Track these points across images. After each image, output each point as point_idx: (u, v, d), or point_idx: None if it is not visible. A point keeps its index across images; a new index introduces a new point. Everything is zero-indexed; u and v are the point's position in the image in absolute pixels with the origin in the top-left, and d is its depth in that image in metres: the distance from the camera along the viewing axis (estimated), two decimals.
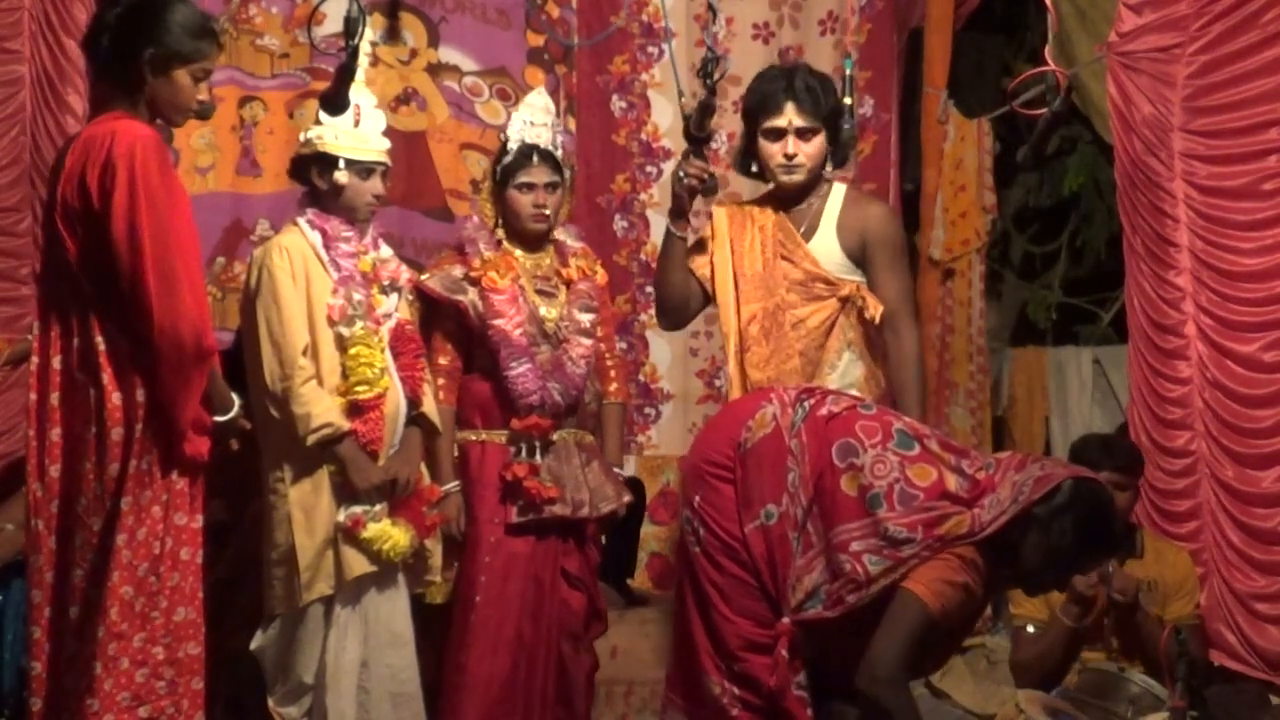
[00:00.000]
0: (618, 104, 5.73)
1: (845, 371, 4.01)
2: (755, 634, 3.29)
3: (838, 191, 4.12)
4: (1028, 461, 3.33)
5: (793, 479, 3.28)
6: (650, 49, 5.73)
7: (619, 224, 5.73)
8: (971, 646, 5.27)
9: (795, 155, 3.99)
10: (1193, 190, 4.94)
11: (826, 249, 4.05)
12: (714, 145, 4.36)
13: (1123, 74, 5.00)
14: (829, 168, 4.10)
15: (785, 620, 3.26)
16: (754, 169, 4.14)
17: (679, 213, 4.02)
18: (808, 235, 4.07)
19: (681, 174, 3.95)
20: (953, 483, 3.25)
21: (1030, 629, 4.51)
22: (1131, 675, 4.25)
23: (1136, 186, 5.03)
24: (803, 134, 3.99)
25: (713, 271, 4.11)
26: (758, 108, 4.03)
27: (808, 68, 4.20)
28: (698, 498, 3.39)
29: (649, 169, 5.75)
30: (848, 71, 4.72)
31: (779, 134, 4.00)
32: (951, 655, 3.68)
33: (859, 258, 4.05)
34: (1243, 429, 4.86)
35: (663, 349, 5.75)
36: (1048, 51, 4.12)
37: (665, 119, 5.73)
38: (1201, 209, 4.92)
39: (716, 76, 3.85)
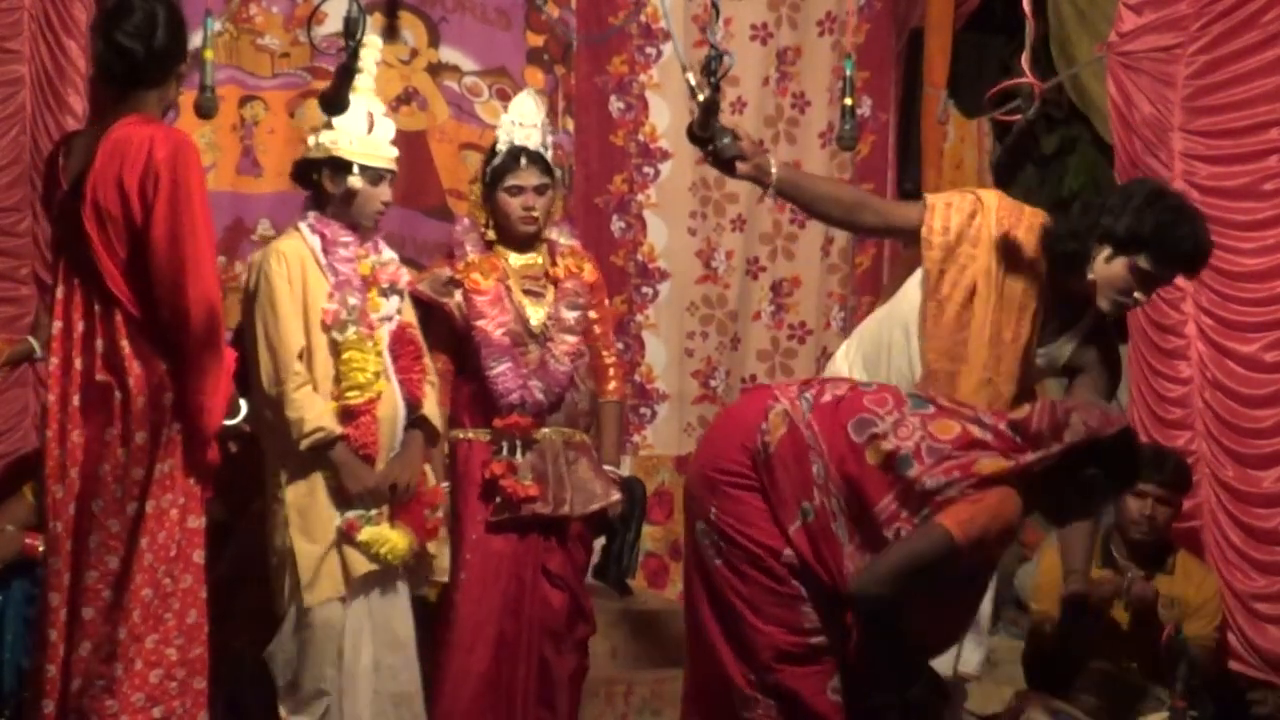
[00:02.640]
0: (616, 105, 5.73)
1: None
2: (787, 642, 3.21)
3: (1096, 315, 3.69)
4: (1058, 420, 3.21)
5: (818, 471, 3.21)
6: (649, 49, 5.73)
7: (616, 224, 5.72)
8: None
9: (1138, 304, 3.63)
10: (1193, 190, 4.92)
11: (1054, 356, 3.72)
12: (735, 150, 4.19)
13: (1123, 74, 5.00)
14: None
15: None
16: (1082, 268, 3.55)
17: (756, 181, 3.62)
18: (1053, 333, 3.68)
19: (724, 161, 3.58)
20: (976, 432, 3.20)
21: (1047, 628, 4.52)
22: (1132, 676, 4.25)
23: None
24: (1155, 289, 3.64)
25: (967, 301, 3.58)
26: (1170, 255, 3.51)
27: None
28: (713, 509, 3.28)
29: (646, 170, 5.74)
30: (848, 72, 4.70)
31: (1153, 284, 3.58)
32: (978, 601, 3.55)
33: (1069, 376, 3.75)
34: (1243, 429, 4.86)
35: (659, 350, 5.75)
36: (1025, 60, 4.11)
37: (663, 120, 5.73)
38: (1202, 209, 4.91)
39: (720, 74, 3.75)
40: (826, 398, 3.30)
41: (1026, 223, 3.63)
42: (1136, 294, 3.54)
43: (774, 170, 3.56)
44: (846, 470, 3.21)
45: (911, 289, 3.71)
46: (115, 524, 3.29)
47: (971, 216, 3.61)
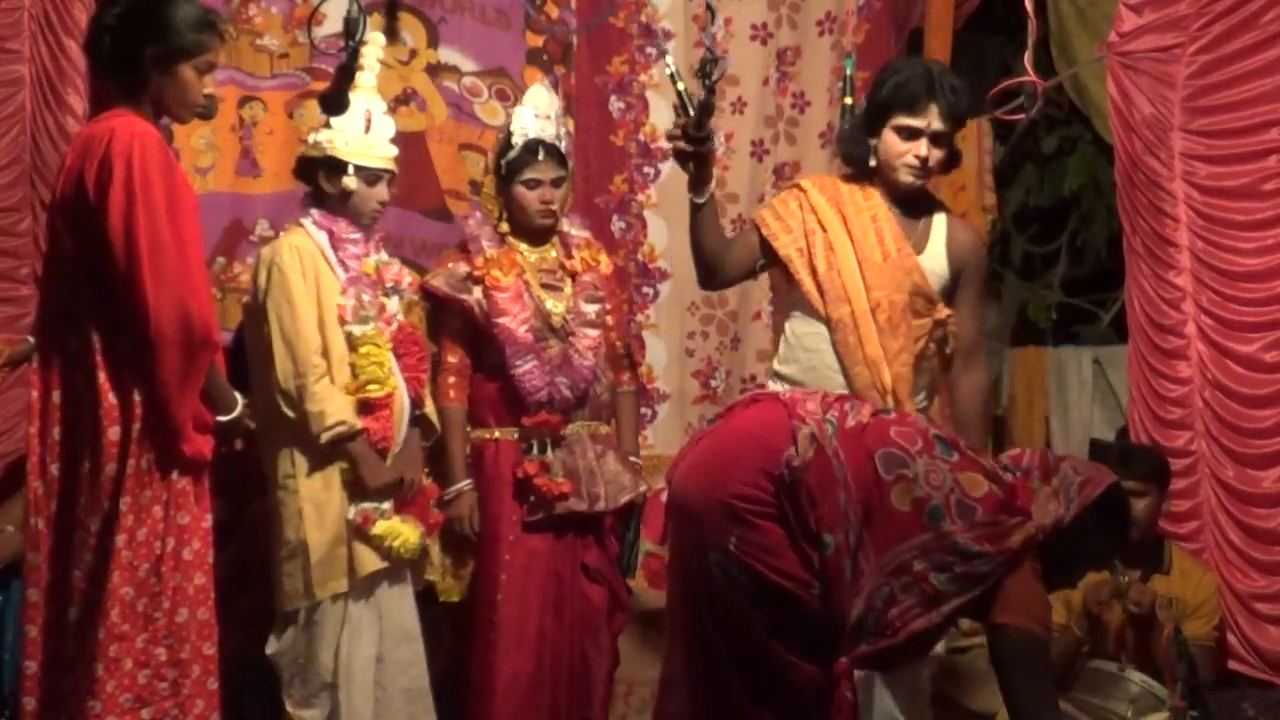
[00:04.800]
0: (616, 105, 5.72)
1: (924, 394, 3.94)
2: (823, 678, 3.07)
3: (941, 209, 4.04)
4: (1049, 463, 3.20)
5: (842, 502, 3.04)
6: (649, 50, 5.72)
7: (616, 225, 5.71)
8: (971, 647, 5.27)
9: (928, 159, 3.87)
10: (1193, 190, 4.93)
11: (936, 268, 3.94)
12: (713, 147, 4.25)
13: (1123, 74, 5.00)
14: None
15: (843, 660, 3.04)
16: (868, 160, 3.95)
17: (692, 181, 3.85)
18: (918, 247, 3.93)
19: (669, 141, 3.85)
20: (999, 493, 3.10)
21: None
22: (1131, 675, 4.25)
23: (1136, 186, 5.03)
24: (937, 139, 3.87)
25: (829, 248, 3.88)
26: (897, 101, 3.87)
27: (947, 69, 4.04)
28: (734, 539, 3.07)
29: (647, 170, 5.73)
30: (848, 71, 4.73)
31: (915, 134, 3.87)
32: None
33: (954, 285, 3.96)
34: (1243, 429, 4.85)
35: (659, 350, 5.74)
36: (1027, 59, 4.13)
37: (663, 120, 5.71)
38: (1201, 209, 4.92)
39: (715, 77, 3.73)
40: (850, 422, 3.15)
41: (840, 173, 4.08)
42: (916, 154, 3.86)
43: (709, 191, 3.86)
44: (869, 505, 3.06)
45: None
46: (95, 522, 3.30)
47: (798, 199, 3.98)
